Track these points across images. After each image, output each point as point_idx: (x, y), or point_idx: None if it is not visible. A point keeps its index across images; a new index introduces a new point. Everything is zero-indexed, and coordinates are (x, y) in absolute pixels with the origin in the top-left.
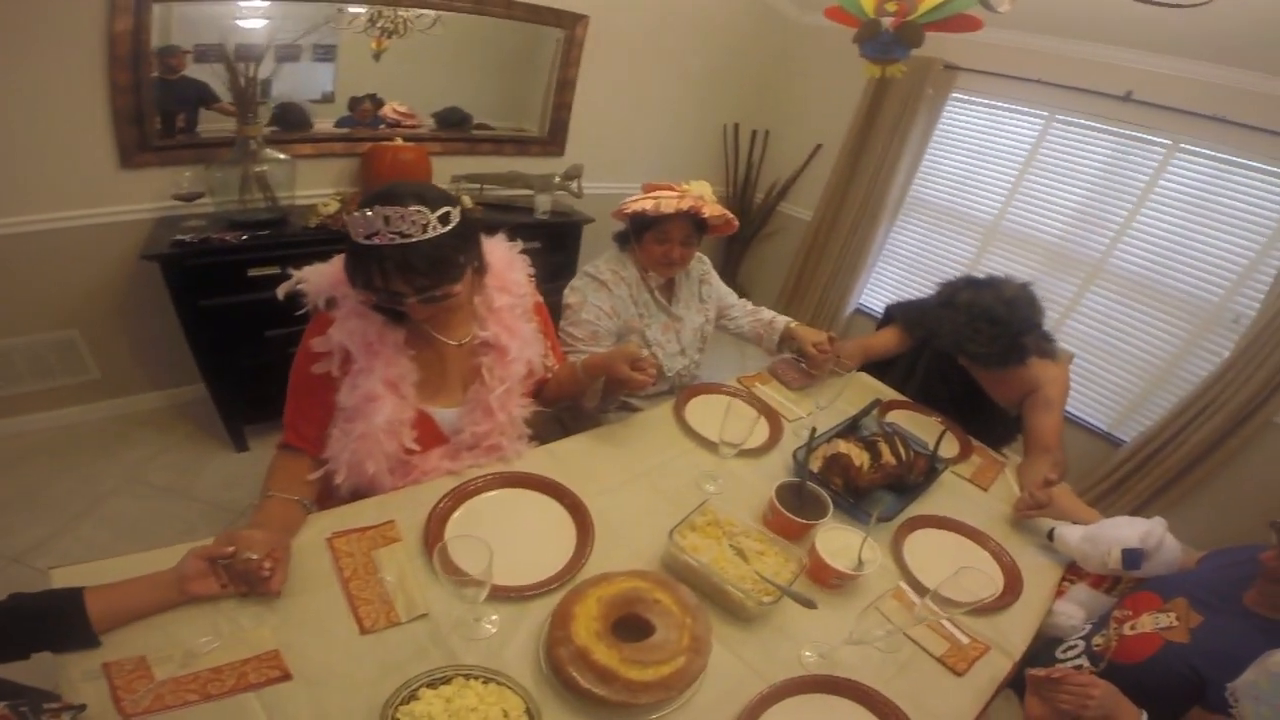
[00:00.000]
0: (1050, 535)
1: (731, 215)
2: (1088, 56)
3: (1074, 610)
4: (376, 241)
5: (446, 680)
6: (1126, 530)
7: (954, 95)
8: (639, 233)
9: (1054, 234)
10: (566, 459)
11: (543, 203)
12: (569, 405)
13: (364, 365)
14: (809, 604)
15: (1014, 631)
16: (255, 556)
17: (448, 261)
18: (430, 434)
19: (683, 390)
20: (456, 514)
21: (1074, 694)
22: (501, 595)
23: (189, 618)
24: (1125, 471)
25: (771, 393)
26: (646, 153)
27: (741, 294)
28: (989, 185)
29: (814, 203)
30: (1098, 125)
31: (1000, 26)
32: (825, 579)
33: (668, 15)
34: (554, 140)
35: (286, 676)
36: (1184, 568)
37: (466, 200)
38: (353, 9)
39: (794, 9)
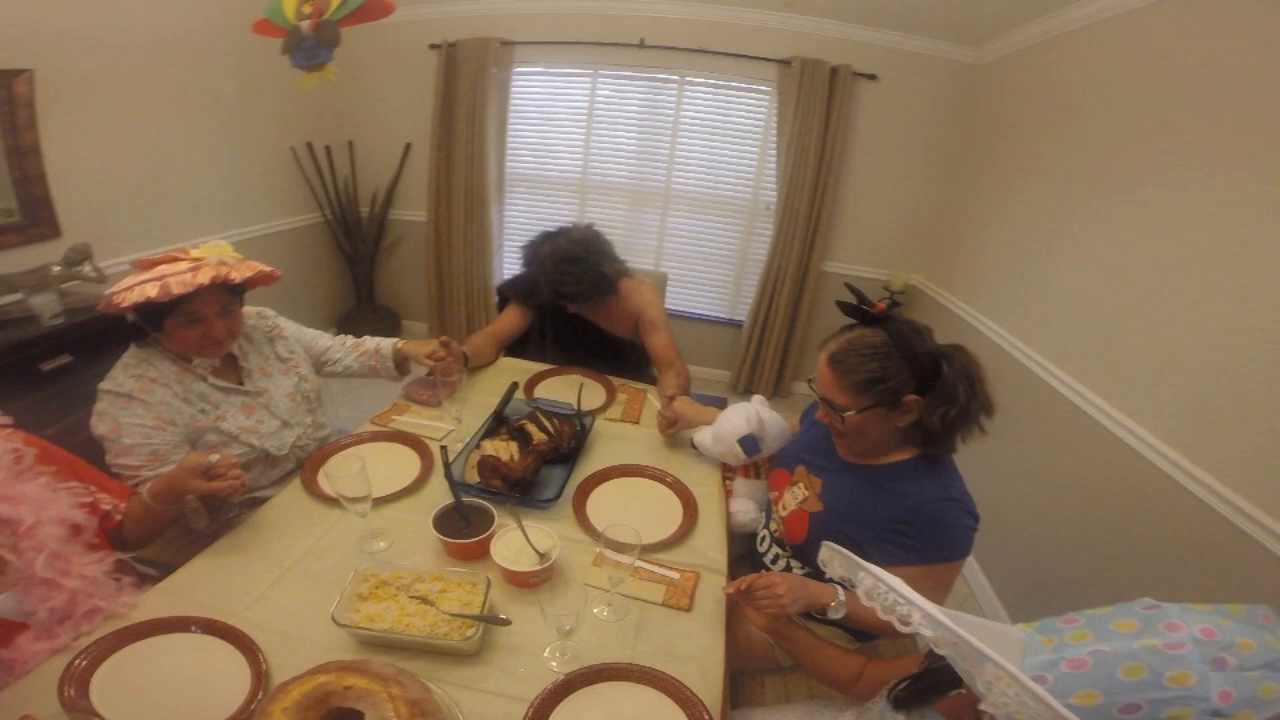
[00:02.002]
0: (693, 445)
1: (267, 268)
2: (607, 11)
3: (746, 505)
4: None
5: None
6: (736, 420)
7: (516, 69)
8: (155, 322)
9: (628, 176)
10: (193, 587)
11: (46, 305)
12: (187, 530)
13: None
14: (503, 623)
15: (709, 548)
16: None
17: None
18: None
19: (307, 461)
20: (94, 687)
21: (765, 597)
22: None
23: None
24: (754, 348)
25: (413, 419)
26: (195, 201)
27: (388, 313)
28: (567, 146)
29: (424, 202)
30: (628, 73)
31: None
32: (524, 582)
33: (154, 46)
34: (38, 222)
35: None
36: (794, 432)
37: None
38: None
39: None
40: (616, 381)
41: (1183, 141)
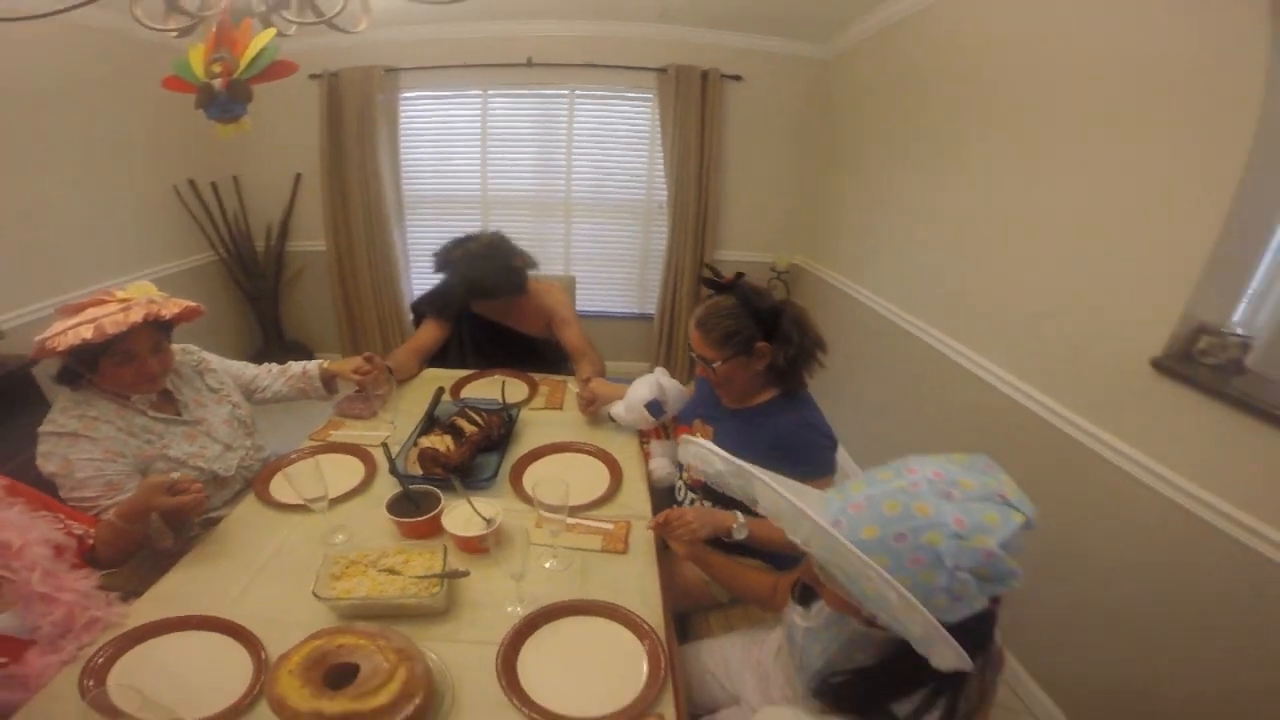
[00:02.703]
0: (610, 418)
1: (193, 304)
2: (492, 35)
3: (662, 463)
4: None
5: None
6: (641, 390)
7: (404, 94)
8: (90, 363)
9: (528, 189)
10: (176, 595)
11: None
12: (149, 554)
13: None
14: (463, 574)
15: (635, 501)
16: None
17: None
18: (6, 645)
19: (256, 476)
20: (111, 680)
21: (680, 526)
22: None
23: None
24: (666, 338)
25: (350, 432)
26: (77, 250)
27: (298, 347)
28: (464, 165)
29: (321, 231)
30: (519, 91)
31: (424, 22)
32: (473, 548)
33: (9, 95)
34: None
35: None
36: (690, 395)
37: None
38: None
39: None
40: (537, 377)
41: (996, 115)
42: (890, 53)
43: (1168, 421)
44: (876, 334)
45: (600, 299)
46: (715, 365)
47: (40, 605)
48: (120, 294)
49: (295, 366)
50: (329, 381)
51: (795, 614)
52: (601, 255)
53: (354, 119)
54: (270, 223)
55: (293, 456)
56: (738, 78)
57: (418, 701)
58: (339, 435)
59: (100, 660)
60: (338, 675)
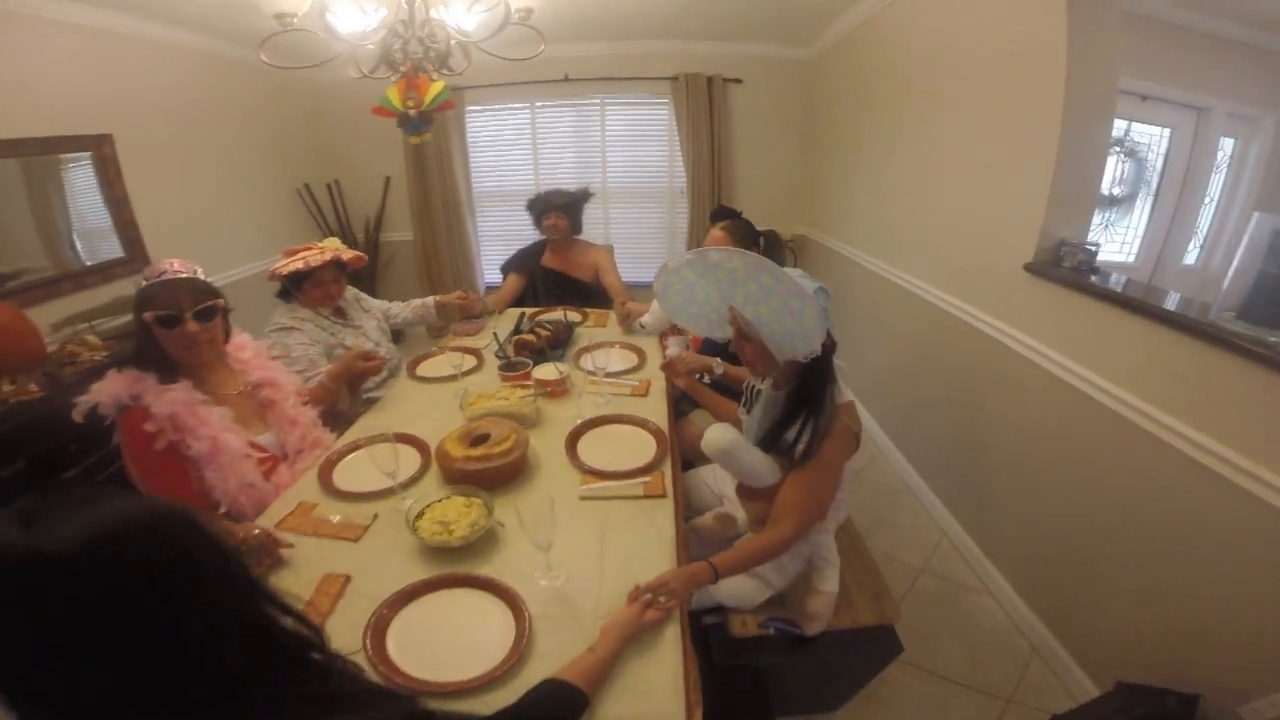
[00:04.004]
0: (640, 326)
1: (361, 254)
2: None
3: (677, 348)
4: (166, 276)
5: (420, 515)
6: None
7: (469, 109)
8: (298, 284)
9: (571, 183)
10: (369, 428)
11: None
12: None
13: (194, 423)
14: (545, 393)
15: (654, 372)
16: (256, 532)
17: (212, 290)
18: (267, 456)
19: (408, 365)
20: (335, 476)
21: (680, 365)
22: (407, 484)
23: None
24: None
25: (463, 342)
26: (242, 233)
27: None
28: (520, 166)
29: (408, 224)
30: (559, 103)
31: (482, 49)
32: (551, 387)
33: (197, 113)
34: (136, 257)
35: (347, 578)
36: None
37: (93, 339)
38: None
39: (316, 74)
40: (588, 309)
41: (921, 98)
42: (852, 54)
43: (1038, 309)
44: (865, 285)
45: (635, 270)
46: None
47: (288, 426)
48: (318, 245)
49: (416, 300)
50: (440, 309)
51: (743, 415)
52: (635, 234)
53: (430, 129)
54: (368, 218)
55: (432, 352)
56: (739, 80)
57: (522, 451)
58: (457, 343)
59: (324, 464)
60: (477, 441)
